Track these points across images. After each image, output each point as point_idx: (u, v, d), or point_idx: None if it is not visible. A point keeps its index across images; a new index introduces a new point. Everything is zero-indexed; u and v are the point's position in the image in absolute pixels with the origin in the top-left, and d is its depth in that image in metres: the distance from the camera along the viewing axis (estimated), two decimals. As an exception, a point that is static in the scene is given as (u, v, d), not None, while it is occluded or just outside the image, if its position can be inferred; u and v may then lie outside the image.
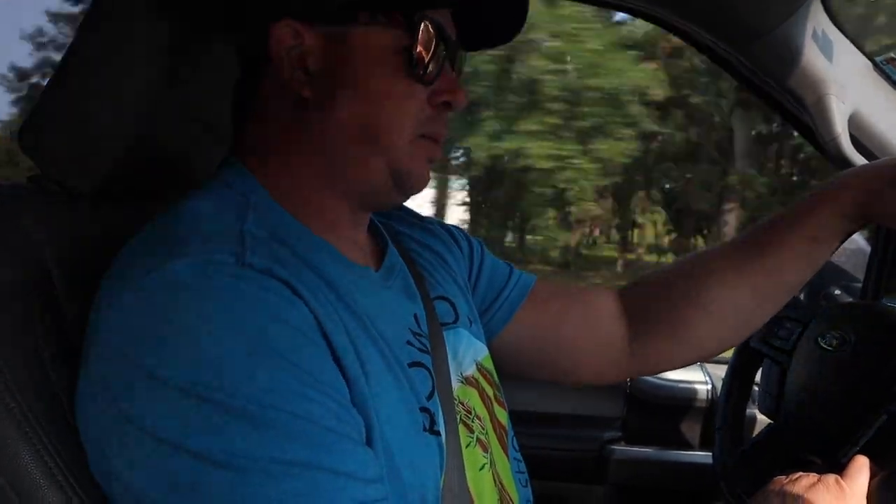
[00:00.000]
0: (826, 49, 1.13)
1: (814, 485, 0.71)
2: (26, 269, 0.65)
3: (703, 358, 0.97)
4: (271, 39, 0.66)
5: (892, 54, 1.13)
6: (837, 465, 0.77)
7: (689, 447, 1.72)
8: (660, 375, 1.75)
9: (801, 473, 0.73)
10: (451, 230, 0.94)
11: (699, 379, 1.75)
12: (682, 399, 1.72)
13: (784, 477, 0.74)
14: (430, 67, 0.67)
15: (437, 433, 0.66)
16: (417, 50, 0.66)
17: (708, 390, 1.72)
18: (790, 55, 1.11)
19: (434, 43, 0.67)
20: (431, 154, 0.71)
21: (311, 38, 0.66)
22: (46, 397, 0.63)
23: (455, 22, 0.71)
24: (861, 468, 0.74)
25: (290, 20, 0.66)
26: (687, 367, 1.78)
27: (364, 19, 0.66)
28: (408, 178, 0.69)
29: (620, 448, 1.69)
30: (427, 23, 0.66)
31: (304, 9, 0.66)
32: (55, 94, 0.72)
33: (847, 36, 1.13)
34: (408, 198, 0.73)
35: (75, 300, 0.66)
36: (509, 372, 0.95)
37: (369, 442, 0.59)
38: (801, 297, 1.30)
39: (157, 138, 0.76)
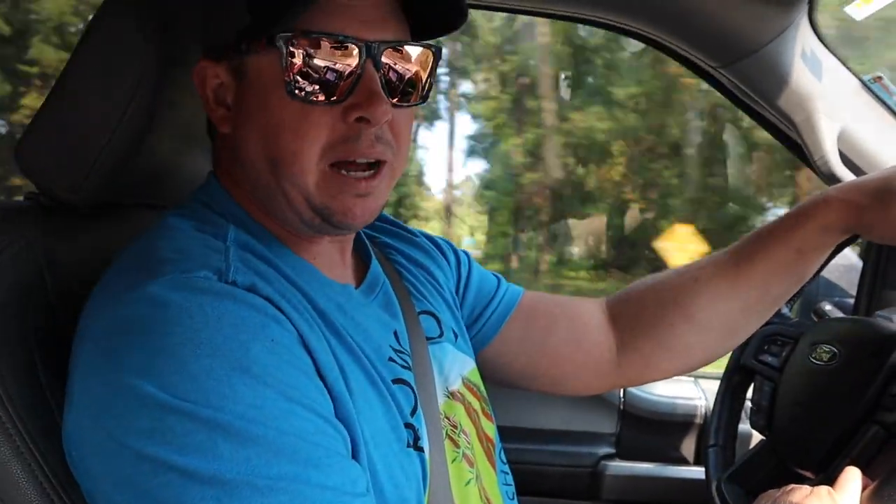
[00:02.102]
0: (814, 67, 1.14)
1: (807, 497, 0.71)
2: (24, 286, 0.66)
3: (691, 368, 0.97)
4: (195, 79, 0.66)
5: (878, 73, 1.14)
6: (829, 479, 0.77)
7: (684, 463, 1.71)
8: (653, 391, 1.74)
9: (793, 486, 0.73)
10: (438, 243, 0.94)
11: (693, 394, 1.74)
12: (676, 415, 1.71)
13: (776, 490, 0.74)
14: (315, 85, 0.61)
15: (421, 449, 0.67)
16: (289, 71, 0.60)
17: (702, 406, 1.72)
18: (779, 73, 1.13)
19: (313, 57, 0.60)
20: (350, 187, 0.64)
21: (224, 74, 0.66)
22: (41, 413, 0.63)
23: (407, 14, 0.66)
24: (852, 479, 0.74)
25: (205, 60, 0.66)
26: (681, 383, 1.78)
27: (245, 48, 0.63)
28: (330, 214, 0.64)
29: (614, 464, 1.69)
30: (294, 40, 0.60)
31: (211, 45, 0.66)
32: (50, 114, 0.73)
33: (835, 55, 1.15)
34: (347, 230, 0.68)
35: (72, 316, 0.66)
36: (499, 383, 0.96)
37: (354, 457, 0.59)
38: (792, 314, 1.30)
39: (147, 154, 0.77)
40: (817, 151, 1.15)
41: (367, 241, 0.82)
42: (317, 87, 0.61)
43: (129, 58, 0.72)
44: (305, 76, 0.61)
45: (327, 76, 0.61)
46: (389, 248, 0.87)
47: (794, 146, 1.26)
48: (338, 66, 0.61)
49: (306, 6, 0.59)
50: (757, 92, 1.19)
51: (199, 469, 0.50)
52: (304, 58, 0.60)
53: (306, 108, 0.61)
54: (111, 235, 0.77)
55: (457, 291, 0.92)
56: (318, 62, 0.60)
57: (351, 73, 0.61)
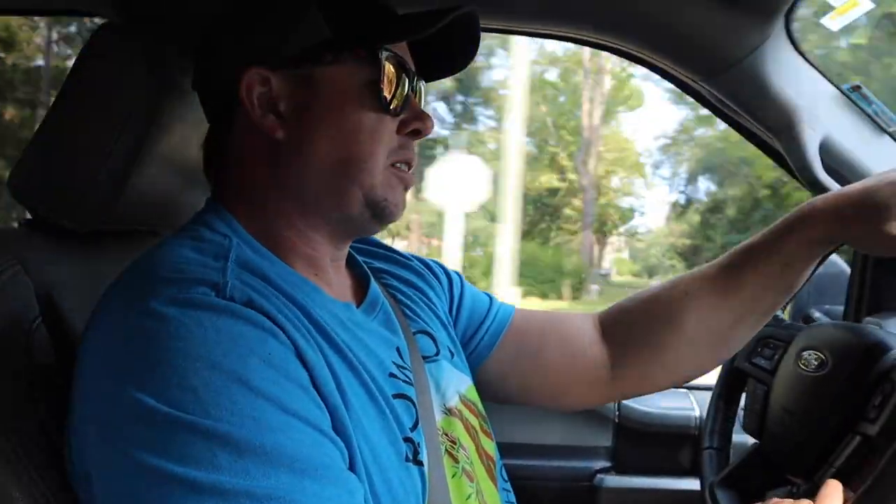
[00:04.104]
0: (794, 78, 1.16)
1: None
2: (19, 311, 0.66)
3: (683, 381, 0.98)
4: (240, 87, 0.68)
5: (857, 82, 1.16)
6: (817, 487, 0.78)
7: (679, 474, 1.71)
8: (648, 404, 1.75)
9: (776, 500, 0.74)
10: (429, 265, 0.95)
11: (687, 406, 1.75)
12: (671, 427, 1.72)
13: (759, 503, 0.74)
14: (397, 99, 0.70)
15: (421, 463, 0.67)
16: (384, 83, 0.69)
17: (696, 417, 1.72)
18: (759, 85, 1.15)
19: (397, 75, 0.70)
20: (405, 182, 0.74)
21: (279, 82, 0.69)
22: (40, 437, 0.63)
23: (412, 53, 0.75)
24: (833, 492, 0.74)
25: (257, 68, 0.68)
26: (674, 395, 1.79)
27: (328, 59, 0.69)
28: (384, 207, 0.72)
29: (611, 477, 1.69)
30: (390, 56, 0.70)
31: (269, 55, 0.69)
32: (44, 139, 0.74)
33: (813, 65, 1.17)
34: (385, 226, 0.75)
35: (68, 340, 0.67)
36: (496, 400, 0.97)
37: (351, 470, 0.60)
38: (785, 317, 1.31)
39: (143, 181, 0.78)
40: (799, 161, 1.17)
41: (362, 264, 0.83)
42: (393, 99, 0.71)
43: (122, 84, 0.73)
44: (388, 89, 0.70)
45: (398, 91, 0.71)
46: (382, 273, 0.88)
47: (777, 156, 1.28)
48: (402, 85, 0.72)
49: (418, 33, 0.69)
50: (739, 104, 1.21)
51: (198, 479, 0.51)
52: (390, 72, 0.70)
53: (380, 117, 0.70)
54: (109, 261, 0.77)
55: (450, 312, 0.93)
56: (395, 79, 0.71)
57: (406, 93, 0.72)
